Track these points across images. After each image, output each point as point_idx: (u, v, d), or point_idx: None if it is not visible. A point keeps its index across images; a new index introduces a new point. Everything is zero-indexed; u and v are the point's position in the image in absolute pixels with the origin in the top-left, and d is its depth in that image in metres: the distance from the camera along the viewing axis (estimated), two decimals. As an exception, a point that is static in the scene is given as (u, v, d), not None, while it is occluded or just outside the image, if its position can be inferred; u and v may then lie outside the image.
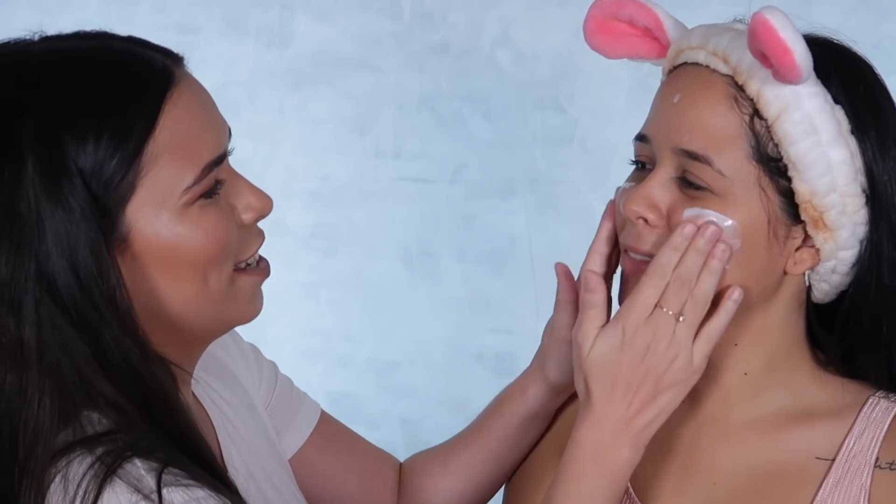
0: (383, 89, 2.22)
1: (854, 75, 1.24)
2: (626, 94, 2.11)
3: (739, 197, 1.21)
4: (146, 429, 1.12)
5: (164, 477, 1.08)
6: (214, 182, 1.18)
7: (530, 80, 2.17)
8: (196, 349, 1.24)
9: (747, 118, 1.21)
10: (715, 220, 1.21)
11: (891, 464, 1.24)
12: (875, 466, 1.24)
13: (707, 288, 1.21)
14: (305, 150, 2.26)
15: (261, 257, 1.24)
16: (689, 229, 1.21)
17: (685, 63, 1.25)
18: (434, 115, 2.21)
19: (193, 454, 1.13)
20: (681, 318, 1.20)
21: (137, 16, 2.23)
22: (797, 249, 1.24)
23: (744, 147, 1.21)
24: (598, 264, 1.28)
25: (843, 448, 1.25)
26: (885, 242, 1.24)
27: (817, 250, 1.24)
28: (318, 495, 1.42)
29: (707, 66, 1.23)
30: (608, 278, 1.29)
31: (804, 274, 1.26)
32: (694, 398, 1.28)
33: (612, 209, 1.29)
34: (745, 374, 1.28)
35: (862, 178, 1.22)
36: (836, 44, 1.26)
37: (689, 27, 1.28)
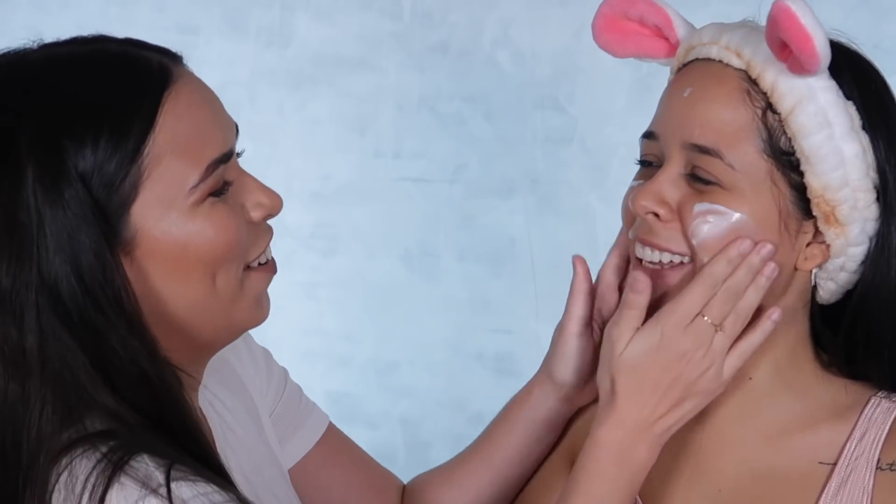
0: (383, 89, 2.22)
1: (864, 74, 1.25)
2: (626, 93, 2.10)
3: (748, 191, 1.21)
4: (149, 433, 1.11)
5: (172, 472, 1.08)
6: (222, 181, 1.17)
7: (530, 80, 2.17)
8: (203, 356, 1.24)
9: (759, 112, 1.21)
10: (723, 211, 1.20)
11: (892, 465, 1.23)
12: (877, 468, 1.24)
13: (751, 303, 1.22)
14: (305, 150, 2.25)
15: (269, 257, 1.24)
16: (746, 245, 1.21)
17: (695, 60, 1.26)
18: (434, 115, 2.21)
19: (200, 455, 1.13)
20: (721, 330, 1.21)
21: (137, 16, 2.22)
22: (808, 245, 1.24)
23: (755, 141, 1.21)
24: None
25: (845, 452, 1.25)
26: (895, 238, 1.24)
27: (827, 246, 1.24)
28: None
29: (719, 62, 1.23)
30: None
31: (811, 273, 1.26)
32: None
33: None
34: (750, 378, 1.28)
35: (873, 174, 1.23)
36: (844, 44, 1.26)
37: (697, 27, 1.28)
